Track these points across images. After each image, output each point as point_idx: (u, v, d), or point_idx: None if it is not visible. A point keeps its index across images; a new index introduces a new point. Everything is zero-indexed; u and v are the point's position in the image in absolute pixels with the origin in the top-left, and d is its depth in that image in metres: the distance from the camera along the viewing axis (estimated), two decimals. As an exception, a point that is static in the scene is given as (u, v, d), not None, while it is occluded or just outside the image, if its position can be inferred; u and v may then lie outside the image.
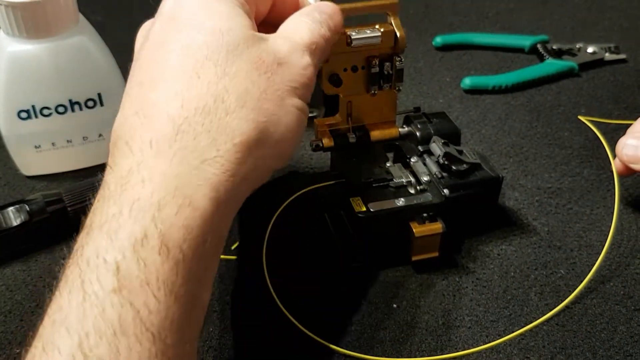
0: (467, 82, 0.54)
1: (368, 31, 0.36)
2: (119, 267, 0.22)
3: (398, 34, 0.37)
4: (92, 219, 0.25)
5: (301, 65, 0.30)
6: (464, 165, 0.37)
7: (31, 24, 0.38)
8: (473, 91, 0.54)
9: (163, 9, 0.30)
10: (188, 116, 0.26)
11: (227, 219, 0.27)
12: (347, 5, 0.35)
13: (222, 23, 0.28)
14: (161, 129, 0.26)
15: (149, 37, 0.29)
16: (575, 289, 0.36)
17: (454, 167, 0.37)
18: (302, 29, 0.31)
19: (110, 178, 0.25)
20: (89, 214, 0.25)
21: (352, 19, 0.36)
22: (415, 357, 0.33)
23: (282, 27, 0.31)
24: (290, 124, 0.29)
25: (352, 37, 0.36)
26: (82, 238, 0.24)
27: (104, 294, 0.22)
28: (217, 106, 0.26)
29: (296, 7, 0.34)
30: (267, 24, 0.34)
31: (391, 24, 0.37)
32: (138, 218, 0.23)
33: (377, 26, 0.37)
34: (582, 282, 0.36)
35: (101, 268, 0.22)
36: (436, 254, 0.37)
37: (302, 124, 0.30)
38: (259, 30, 0.30)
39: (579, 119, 0.50)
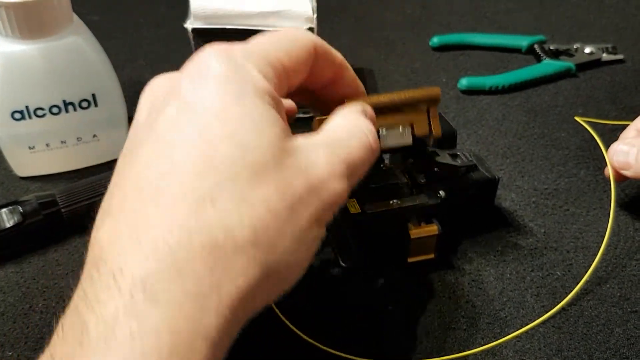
0: (464, 82, 0.54)
1: (400, 129, 0.32)
2: None
3: (433, 132, 0.33)
4: None
5: (334, 191, 0.25)
6: (460, 168, 0.37)
7: (25, 24, 0.38)
8: (470, 91, 0.54)
9: (181, 91, 0.25)
10: (193, 252, 0.21)
11: (220, 355, 0.23)
12: (384, 96, 0.31)
13: (251, 135, 0.23)
14: (158, 264, 0.21)
15: (160, 119, 0.24)
16: (571, 291, 0.36)
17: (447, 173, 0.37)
18: (353, 140, 0.26)
19: (89, 318, 0.20)
20: (50, 349, 0.21)
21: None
22: (411, 359, 0.32)
23: (325, 132, 0.27)
24: (305, 258, 0.25)
25: (381, 137, 0.32)
26: None
27: None
28: (227, 242, 0.21)
29: (338, 75, 0.30)
30: (303, 90, 0.30)
31: (426, 118, 0.33)
32: None
33: (408, 122, 0.32)
34: (578, 283, 0.36)
35: None
36: (432, 256, 0.37)
37: (315, 252, 0.25)
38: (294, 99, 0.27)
39: (576, 120, 0.50)
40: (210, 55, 0.25)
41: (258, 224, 0.22)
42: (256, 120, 0.24)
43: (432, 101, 0.32)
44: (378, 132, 0.31)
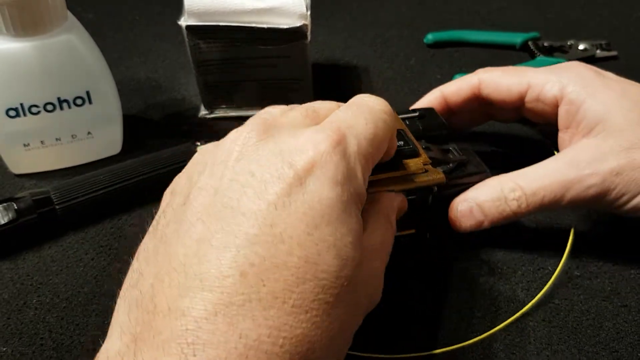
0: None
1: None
2: None
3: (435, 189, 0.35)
4: None
5: (376, 301, 0.29)
6: (451, 165, 0.37)
7: (19, 21, 0.38)
8: (464, 88, 0.54)
9: (299, 174, 0.24)
10: None
11: None
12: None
13: (348, 250, 0.24)
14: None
15: (188, 210, 0.24)
16: (560, 285, 0.36)
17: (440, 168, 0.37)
18: (389, 248, 0.30)
19: None
20: None
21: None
22: (401, 353, 0.33)
23: (370, 237, 0.28)
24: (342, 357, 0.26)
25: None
26: None
27: None
28: (308, 356, 0.22)
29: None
30: None
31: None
32: None
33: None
34: (569, 277, 0.36)
35: None
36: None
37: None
38: None
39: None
40: (327, 144, 0.25)
41: (330, 342, 0.23)
42: (354, 236, 0.24)
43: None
44: None
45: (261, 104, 0.50)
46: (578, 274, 0.37)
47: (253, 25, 0.44)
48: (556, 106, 0.38)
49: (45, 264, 0.38)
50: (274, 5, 0.44)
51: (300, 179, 0.24)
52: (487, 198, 0.35)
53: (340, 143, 0.25)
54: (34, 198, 0.38)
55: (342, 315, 0.23)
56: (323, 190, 0.24)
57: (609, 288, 0.36)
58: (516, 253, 0.38)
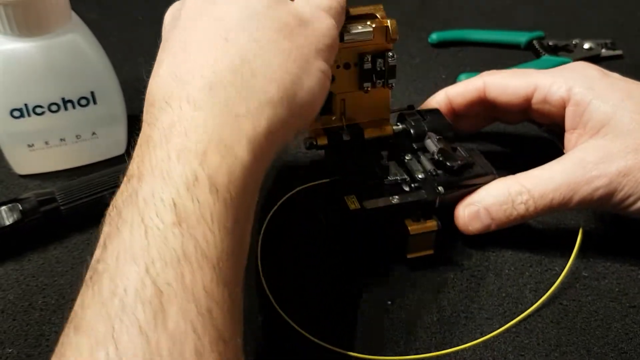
0: (463, 78, 0.54)
1: (360, 27, 0.36)
2: (175, 204, 0.24)
3: (390, 27, 0.37)
4: (139, 167, 0.26)
5: (325, 26, 0.31)
6: (459, 162, 0.37)
7: (23, 22, 0.38)
8: (469, 88, 0.54)
9: None
10: (220, 75, 0.28)
11: (262, 170, 0.29)
12: None
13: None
14: (196, 87, 0.28)
15: (182, 12, 0.32)
16: (569, 286, 0.36)
17: (448, 163, 0.37)
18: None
19: (152, 132, 0.27)
20: (131, 165, 0.27)
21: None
22: (409, 354, 0.32)
23: None
24: (314, 86, 0.30)
25: (345, 33, 0.36)
26: (132, 184, 0.26)
27: (164, 227, 0.23)
28: (244, 68, 0.28)
29: None
30: None
31: (382, 19, 0.37)
32: (187, 163, 0.25)
33: (368, 22, 0.37)
34: (576, 278, 0.36)
35: (159, 205, 0.24)
36: (431, 252, 0.37)
37: (325, 86, 0.31)
38: None
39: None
40: None
41: (266, 53, 0.29)
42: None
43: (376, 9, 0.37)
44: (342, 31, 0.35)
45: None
46: (586, 274, 0.37)
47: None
48: (563, 107, 0.38)
49: (50, 265, 0.38)
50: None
51: None
52: (494, 201, 0.35)
53: None
54: (38, 199, 0.38)
55: (269, 30, 0.30)
56: None
57: (617, 289, 0.36)
58: (524, 254, 0.38)
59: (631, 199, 0.34)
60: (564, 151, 0.38)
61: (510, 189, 0.35)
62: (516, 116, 0.42)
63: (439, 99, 0.42)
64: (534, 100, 0.39)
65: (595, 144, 0.35)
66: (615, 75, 0.38)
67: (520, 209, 0.35)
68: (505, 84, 0.40)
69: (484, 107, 0.42)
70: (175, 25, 0.31)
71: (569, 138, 0.38)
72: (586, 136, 0.36)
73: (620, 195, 0.34)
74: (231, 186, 0.25)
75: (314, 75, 0.30)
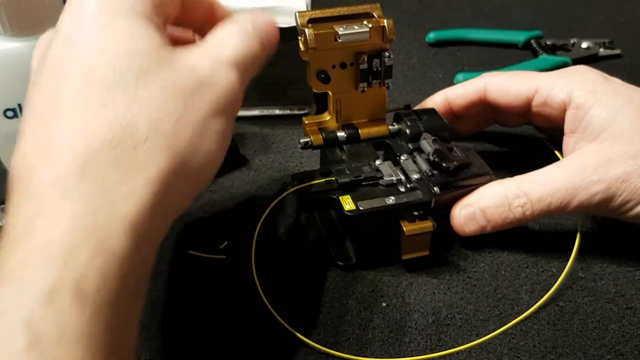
0: (460, 78, 0.54)
1: (356, 27, 0.36)
2: (31, 322, 0.20)
3: (386, 27, 0.37)
4: None
5: (225, 83, 0.27)
6: (455, 163, 0.36)
7: (16, 21, 0.37)
8: (466, 87, 0.54)
9: (61, 26, 0.26)
10: (94, 151, 0.23)
11: (148, 255, 0.25)
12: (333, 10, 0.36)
13: (129, 43, 0.25)
14: (65, 166, 0.23)
15: (47, 59, 0.26)
16: (565, 287, 0.35)
17: (444, 164, 0.36)
18: (229, 43, 0.28)
19: (11, 223, 0.23)
20: None
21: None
22: (405, 356, 0.32)
23: (207, 39, 0.28)
24: (211, 149, 0.26)
25: (340, 33, 0.35)
26: None
27: (15, 353, 0.20)
28: (126, 138, 0.24)
29: (209, 13, 0.32)
30: (181, 25, 0.32)
31: (378, 19, 0.37)
32: (48, 266, 0.21)
33: (364, 22, 0.36)
34: (573, 279, 0.36)
35: (12, 324, 0.20)
36: (427, 253, 0.36)
37: (225, 146, 0.27)
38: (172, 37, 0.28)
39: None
40: None
41: (153, 118, 0.24)
42: (135, 31, 0.25)
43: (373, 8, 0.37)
44: (338, 31, 0.35)
45: (261, 103, 0.49)
46: (582, 275, 0.37)
47: (253, 24, 0.44)
48: (563, 110, 0.38)
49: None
50: (274, 4, 0.44)
51: (65, 28, 0.26)
52: (490, 204, 0.35)
53: None
54: (32, 199, 0.38)
55: (153, 95, 0.25)
56: (81, 21, 0.26)
57: (613, 290, 0.36)
58: (520, 255, 0.38)
59: (629, 205, 0.34)
60: (562, 155, 0.38)
61: (507, 191, 0.35)
62: (515, 118, 0.42)
63: (438, 100, 0.42)
64: (534, 103, 0.39)
65: (594, 149, 0.35)
66: (617, 80, 0.38)
67: (517, 212, 0.35)
68: (506, 85, 0.40)
69: (484, 108, 0.41)
70: (42, 71, 0.26)
71: (567, 142, 0.38)
72: (585, 140, 0.36)
73: (618, 201, 0.34)
74: (104, 289, 0.22)
75: (211, 137, 0.26)
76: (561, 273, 0.37)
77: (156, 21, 0.27)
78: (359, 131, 0.39)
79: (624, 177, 0.34)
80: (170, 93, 0.25)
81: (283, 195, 0.38)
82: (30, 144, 0.24)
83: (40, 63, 0.27)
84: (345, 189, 0.36)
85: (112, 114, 0.24)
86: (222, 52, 0.27)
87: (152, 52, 0.25)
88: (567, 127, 0.37)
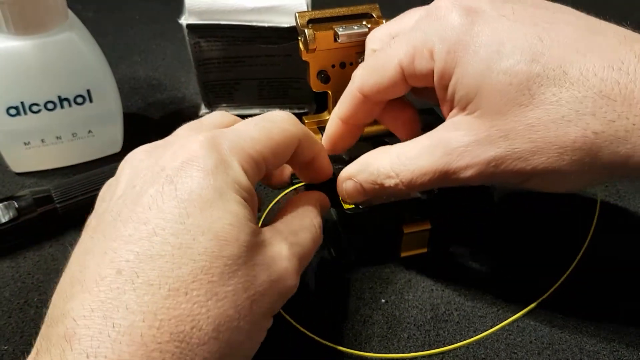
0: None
1: (355, 27, 0.36)
2: None
3: None
4: None
5: (290, 287, 0.27)
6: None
7: (20, 20, 0.38)
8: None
9: (166, 174, 0.26)
10: (162, 341, 0.22)
11: None
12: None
13: (228, 231, 0.25)
14: (129, 350, 0.22)
15: (144, 200, 0.25)
16: (562, 284, 0.36)
17: None
18: (307, 235, 0.29)
19: None
20: None
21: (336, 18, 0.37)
22: (403, 352, 0.33)
23: (288, 220, 0.30)
24: (255, 346, 0.26)
25: (340, 33, 0.36)
26: None
27: None
28: (193, 334, 0.23)
29: (310, 160, 0.32)
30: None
31: (378, 19, 0.37)
32: None
33: (364, 22, 0.37)
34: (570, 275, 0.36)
35: None
36: (425, 250, 0.37)
37: (263, 338, 0.27)
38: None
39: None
40: (197, 144, 0.26)
41: (221, 316, 0.23)
42: (233, 218, 0.25)
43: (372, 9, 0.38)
44: (337, 31, 0.36)
45: (261, 102, 0.50)
46: (580, 273, 0.37)
47: (254, 23, 0.44)
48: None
49: (46, 262, 0.38)
50: (274, 3, 0.44)
51: (171, 178, 0.25)
52: (368, 179, 0.33)
53: (212, 140, 0.26)
54: (34, 196, 0.38)
55: (233, 293, 0.24)
56: (193, 182, 0.25)
57: (609, 288, 0.36)
58: (518, 252, 0.38)
59: (511, 184, 0.30)
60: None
61: (380, 170, 0.32)
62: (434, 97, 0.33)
63: (335, 126, 0.36)
64: (409, 82, 0.32)
65: (462, 123, 0.29)
66: (493, 7, 0.29)
67: (390, 190, 0.32)
68: (371, 82, 0.33)
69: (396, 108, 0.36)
70: (133, 210, 0.25)
71: (443, 110, 0.32)
72: (455, 110, 0.30)
73: (498, 183, 0.31)
74: None
75: (261, 335, 0.26)
76: (559, 272, 0.37)
77: (253, 195, 0.27)
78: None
79: (495, 163, 0.28)
80: (244, 290, 0.24)
81: (283, 194, 0.38)
82: (96, 304, 0.23)
83: (126, 197, 0.26)
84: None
85: (190, 306, 0.23)
86: (295, 252, 0.28)
87: (244, 243, 0.25)
88: (438, 96, 0.31)
